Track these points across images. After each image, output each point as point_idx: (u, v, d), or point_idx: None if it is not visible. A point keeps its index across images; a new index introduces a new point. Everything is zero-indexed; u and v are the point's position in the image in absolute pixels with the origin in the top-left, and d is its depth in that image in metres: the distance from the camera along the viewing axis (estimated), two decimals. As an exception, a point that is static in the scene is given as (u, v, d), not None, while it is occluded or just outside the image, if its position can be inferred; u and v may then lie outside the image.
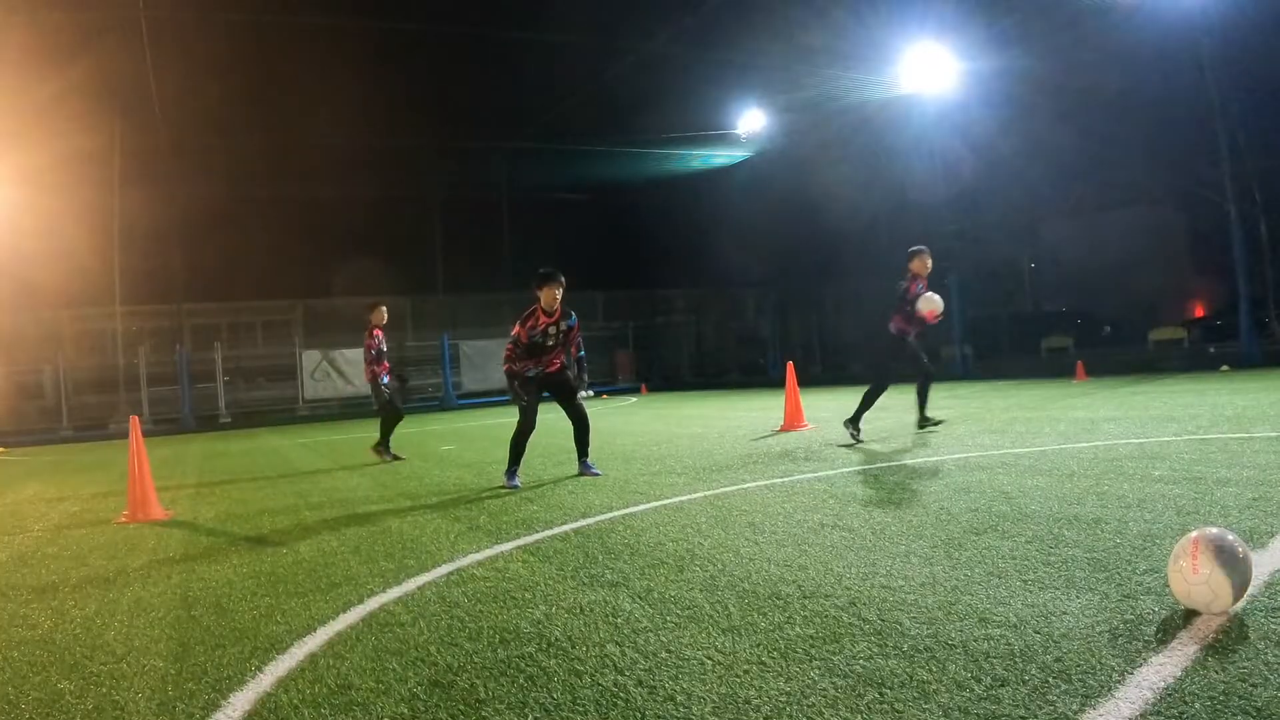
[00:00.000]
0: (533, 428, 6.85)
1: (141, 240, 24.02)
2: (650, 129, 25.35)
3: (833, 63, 20.82)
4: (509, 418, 15.19)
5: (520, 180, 29.93)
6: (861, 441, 7.90)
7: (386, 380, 9.79)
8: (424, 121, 24.02)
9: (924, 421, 8.43)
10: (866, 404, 8.28)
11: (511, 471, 6.80)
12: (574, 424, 7.05)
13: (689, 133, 25.91)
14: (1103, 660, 2.35)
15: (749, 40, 20.49)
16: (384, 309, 9.88)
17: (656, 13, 19.19)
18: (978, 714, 2.10)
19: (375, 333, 9.66)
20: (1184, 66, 16.27)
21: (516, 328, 6.71)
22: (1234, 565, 2.55)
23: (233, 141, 23.55)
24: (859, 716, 2.14)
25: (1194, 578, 2.56)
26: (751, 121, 25.76)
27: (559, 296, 6.68)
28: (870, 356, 9.08)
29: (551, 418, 7.46)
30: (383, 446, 9.81)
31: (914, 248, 8.39)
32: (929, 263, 8.34)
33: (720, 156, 28.70)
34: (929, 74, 20.57)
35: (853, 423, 8.16)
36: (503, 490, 6.58)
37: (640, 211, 31.96)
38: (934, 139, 22.53)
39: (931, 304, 8.02)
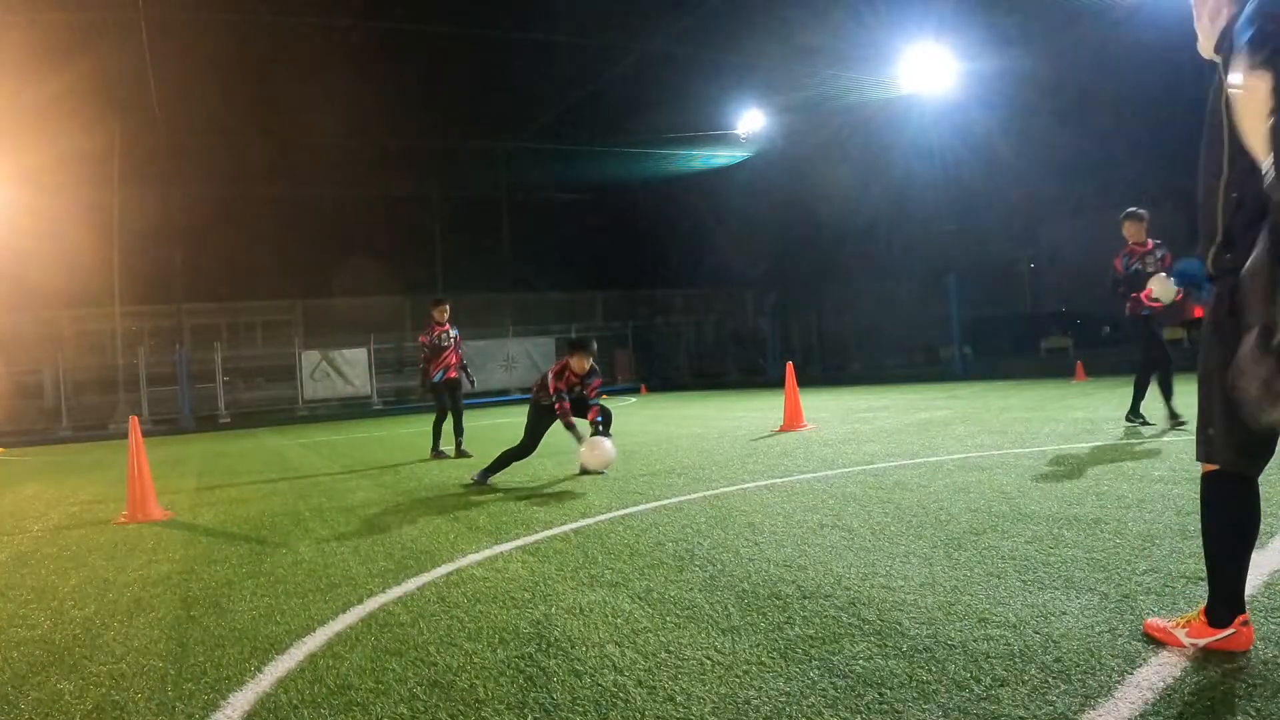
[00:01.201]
0: (528, 455, 7.07)
1: (141, 240, 24.03)
2: (650, 129, 25.35)
3: (833, 63, 20.82)
4: (508, 418, 15.12)
5: (520, 180, 29.95)
6: (1151, 424, 7.33)
7: (438, 378, 9.54)
8: (424, 121, 24.02)
9: (1134, 415, 7.50)
10: (1166, 393, 7.43)
11: (486, 473, 6.96)
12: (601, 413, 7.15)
13: (689, 133, 25.92)
14: (1103, 660, 2.35)
15: (749, 40, 20.49)
16: (446, 306, 9.67)
17: (656, 13, 19.18)
18: (978, 714, 2.10)
19: (434, 329, 9.54)
20: (1184, 66, 16.27)
21: (553, 382, 6.82)
22: None
23: (232, 141, 23.56)
24: (859, 716, 2.14)
25: None
26: (751, 121, 25.77)
27: (589, 365, 6.88)
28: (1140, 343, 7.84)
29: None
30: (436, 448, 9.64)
31: (1128, 210, 7.49)
32: (1139, 229, 7.35)
33: (720, 157, 28.71)
34: (929, 74, 20.58)
35: (1171, 417, 7.31)
36: (502, 490, 6.59)
37: (640, 211, 31.99)
38: (934, 139, 22.55)
39: (1161, 288, 6.75)
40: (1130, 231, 7.43)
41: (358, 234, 26.77)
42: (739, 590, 3.32)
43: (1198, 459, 2.38)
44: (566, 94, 23.08)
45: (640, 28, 19.82)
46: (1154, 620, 2.54)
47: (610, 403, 7.69)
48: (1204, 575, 2.99)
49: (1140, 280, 7.23)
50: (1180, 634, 2.39)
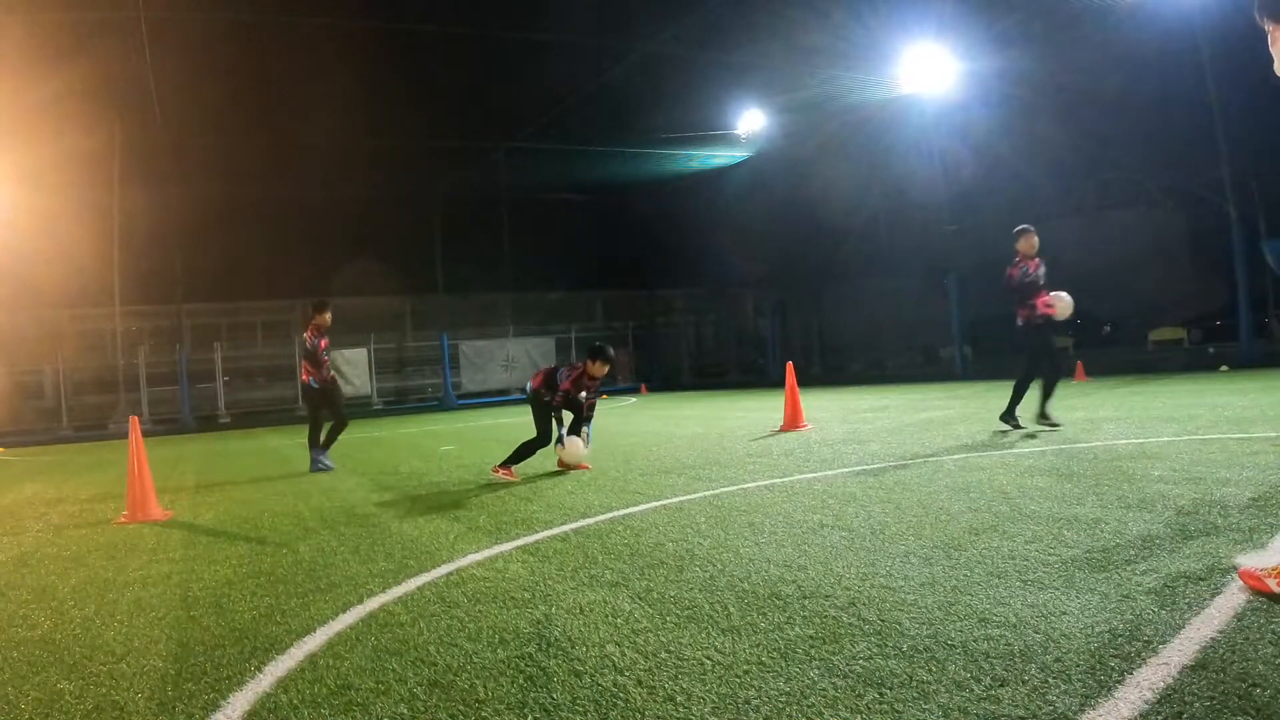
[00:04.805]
0: (547, 442, 7.36)
1: (141, 240, 24.02)
2: (650, 129, 25.34)
3: (833, 63, 20.81)
4: (508, 418, 15.18)
5: (520, 180, 29.93)
6: (1022, 428, 7.70)
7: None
8: (424, 121, 24.00)
9: (1043, 418, 7.78)
10: (1046, 395, 7.80)
11: (509, 462, 7.21)
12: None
13: (689, 133, 25.91)
14: (1103, 660, 2.34)
15: (749, 40, 20.49)
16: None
17: (656, 13, 19.17)
18: (978, 714, 2.10)
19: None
20: (1184, 66, 16.28)
21: (568, 384, 7.33)
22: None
23: (233, 141, 23.53)
24: (859, 716, 2.14)
25: None
26: (751, 121, 25.76)
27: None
28: (1016, 347, 8.62)
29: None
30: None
31: (1018, 227, 7.99)
32: (1035, 242, 7.88)
33: (720, 156, 28.69)
34: (929, 74, 20.58)
35: (1008, 416, 7.90)
36: (503, 490, 6.59)
37: (640, 211, 31.98)
38: (934, 139, 22.54)
39: (1061, 305, 7.60)
40: (1026, 246, 7.92)
41: (358, 234, 26.75)
42: (739, 590, 3.32)
43: None
44: (566, 94, 23.07)
45: (640, 28, 19.81)
46: (1249, 566, 2.69)
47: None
48: (1204, 575, 3.00)
49: (1033, 290, 7.81)
50: (1272, 582, 2.53)
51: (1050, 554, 3.45)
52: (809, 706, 2.22)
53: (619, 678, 2.52)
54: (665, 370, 31.73)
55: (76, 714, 2.56)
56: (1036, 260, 7.93)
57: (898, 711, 2.15)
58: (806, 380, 18.79)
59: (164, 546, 5.29)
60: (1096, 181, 22.38)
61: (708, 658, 2.62)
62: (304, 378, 9.24)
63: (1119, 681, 2.21)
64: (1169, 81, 16.72)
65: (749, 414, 12.99)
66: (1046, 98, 19.31)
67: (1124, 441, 6.54)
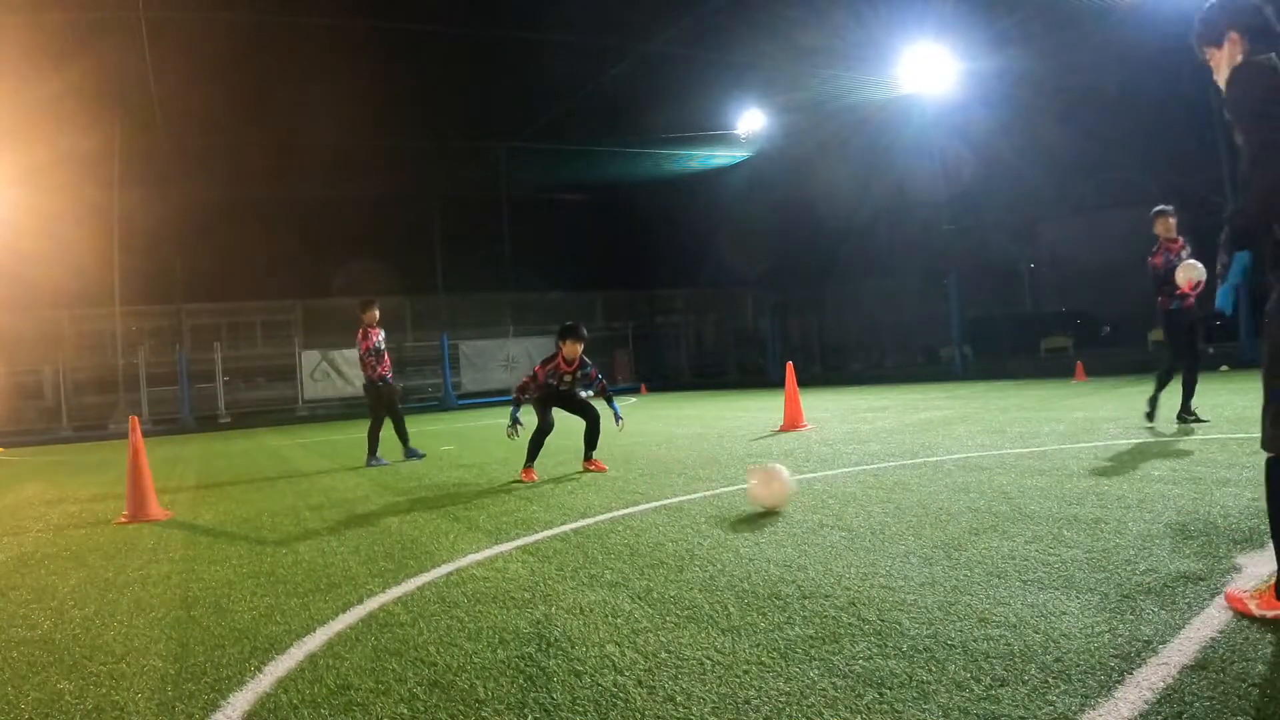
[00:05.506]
0: (550, 429, 7.46)
1: (141, 240, 24.01)
2: (650, 129, 25.35)
3: (833, 63, 20.82)
4: (508, 418, 15.18)
5: (520, 180, 29.93)
6: (1151, 425, 7.22)
7: None
8: (424, 121, 24.01)
9: (1185, 414, 7.32)
10: (1159, 386, 7.40)
11: (529, 461, 7.30)
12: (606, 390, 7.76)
13: (689, 133, 25.91)
14: (1103, 660, 2.34)
15: (749, 40, 20.50)
16: None
17: (656, 13, 19.18)
18: (978, 714, 2.10)
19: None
20: (1184, 66, 16.25)
21: (540, 370, 7.26)
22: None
23: (232, 141, 23.54)
24: (859, 716, 2.14)
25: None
26: (751, 121, 25.76)
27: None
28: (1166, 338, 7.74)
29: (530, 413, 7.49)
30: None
31: (1156, 209, 7.48)
32: (1172, 223, 7.33)
33: (720, 157, 28.70)
34: (929, 74, 20.58)
35: (1150, 408, 7.36)
36: (502, 490, 6.59)
37: (640, 211, 31.97)
38: (934, 139, 22.54)
39: (1192, 272, 6.48)
40: (1162, 228, 7.45)
41: (358, 234, 26.72)
42: (739, 590, 3.32)
43: (1262, 448, 2.50)
44: (566, 94, 23.07)
45: (640, 28, 19.82)
46: (1233, 589, 2.71)
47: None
48: (1204, 575, 3.00)
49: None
50: (1252, 604, 2.54)
51: (1050, 554, 3.45)
52: (809, 706, 2.22)
53: (619, 678, 2.52)
54: (665, 370, 31.72)
55: (76, 714, 2.56)
56: (1180, 241, 7.39)
57: (898, 711, 2.15)
58: (806, 380, 18.79)
59: (164, 546, 5.28)
60: (1096, 181, 22.38)
61: (708, 658, 2.62)
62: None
63: (1119, 681, 2.21)
64: (1169, 81, 16.70)
65: (749, 414, 12.99)
66: (1046, 98, 19.33)
67: (1124, 441, 6.55)
